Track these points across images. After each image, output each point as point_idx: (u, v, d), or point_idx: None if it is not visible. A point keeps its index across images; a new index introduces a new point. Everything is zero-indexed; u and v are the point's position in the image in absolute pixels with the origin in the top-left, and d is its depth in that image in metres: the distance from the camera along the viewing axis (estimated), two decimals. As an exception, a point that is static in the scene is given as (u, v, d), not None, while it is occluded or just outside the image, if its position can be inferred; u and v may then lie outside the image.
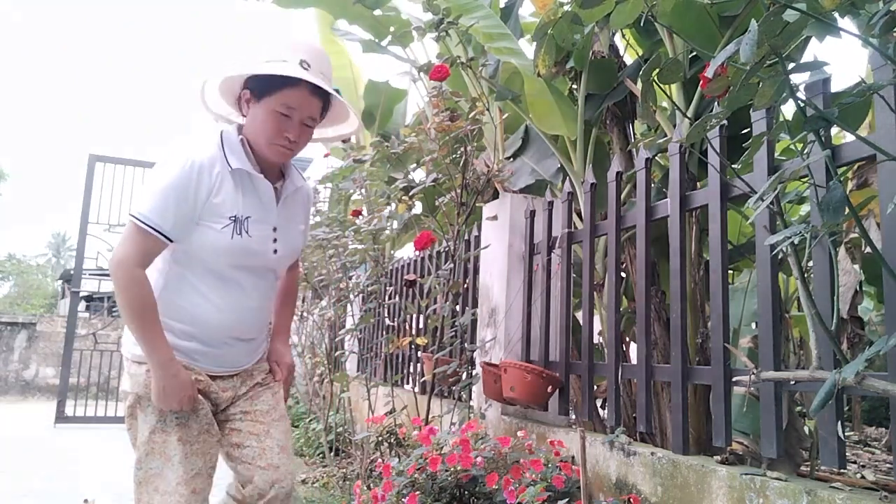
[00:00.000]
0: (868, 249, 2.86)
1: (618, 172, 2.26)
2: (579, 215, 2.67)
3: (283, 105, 1.49)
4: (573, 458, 2.14)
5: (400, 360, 4.31)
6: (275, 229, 1.60)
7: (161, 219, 1.45)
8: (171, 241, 1.48)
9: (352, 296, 3.73)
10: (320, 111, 1.57)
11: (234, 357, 1.64)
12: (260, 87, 1.50)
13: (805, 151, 1.30)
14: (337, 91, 1.57)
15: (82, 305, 12.50)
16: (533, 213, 2.80)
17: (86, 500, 3.34)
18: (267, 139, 1.52)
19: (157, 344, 1.47)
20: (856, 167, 2.05)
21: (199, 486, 1.54)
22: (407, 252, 5.08)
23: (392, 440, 2.54)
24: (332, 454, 4.15)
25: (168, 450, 1.52)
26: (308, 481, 3.71)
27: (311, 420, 4.92)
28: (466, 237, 3.35)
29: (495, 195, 3.17)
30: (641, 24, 2.84)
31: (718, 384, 1.72)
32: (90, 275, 8.45)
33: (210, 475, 1.58)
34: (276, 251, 1.61)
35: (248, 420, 1.66)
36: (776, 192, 1.22)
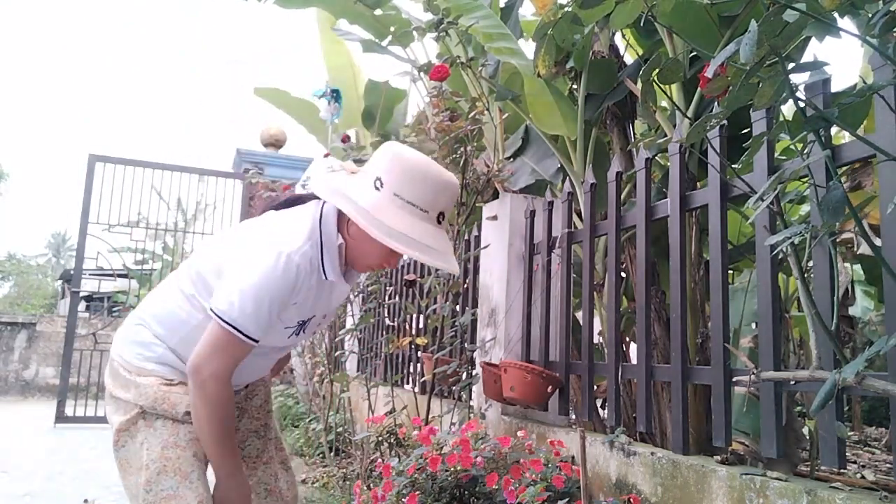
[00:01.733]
0: (860, 249, 2.86)
1: (618, 172, 2.26)
2: (579, 215, 2.67)
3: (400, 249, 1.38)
4: (573, 458, 2.14)
5: (400, 360, 4.31)
6: (325, 316, 1.57)
7: (257, 327, 1.32)
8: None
9: (352, 296, 3.73)
10: None
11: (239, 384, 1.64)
12: None
13: (805, 151, 1.30)
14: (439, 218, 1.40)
15: (82, 305, 12.51)
16: (533, 213, 2.80)
17: (86, 500, 3.34)
18: (368, 266, 1.46)
19: (231, 454, 1.40)
20: (849, 170, 2.05)
21: None
22: (407, 252, 5.07)
23: (392, 440, 2.54)
24: (332, 454, 4.15)
25: (184, 466, 1.39)
26: (308, 481, 3.71)
27: (311, 420, 4.92)
28: (466, 237, 3.35)
29: (495, 195, 3.17)
30: (641, 24, 2.84)
31: (718, 384, 1.72)
32: (90, 275, 8.45)
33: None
34: (312, 333, 1.61)
35: (271, 443, 1.68)
36: (776, 192, 1.22)
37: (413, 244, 1.29)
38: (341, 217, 1.41)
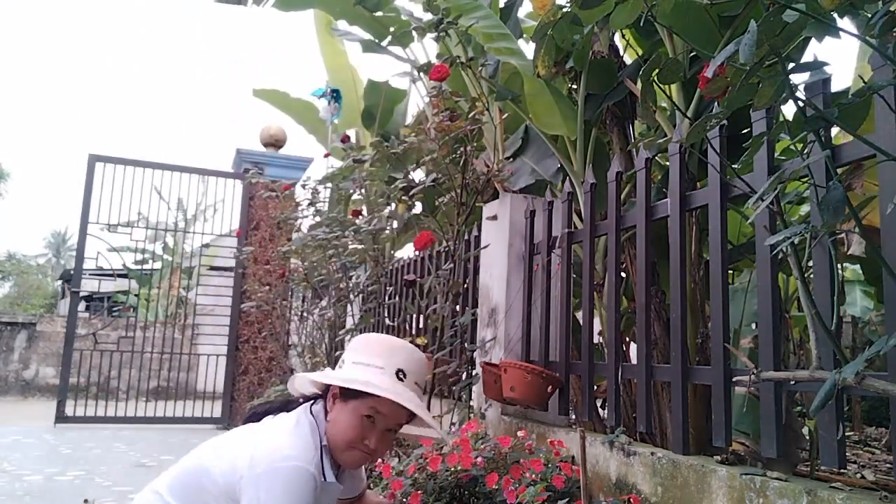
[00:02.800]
0: (850, 250, 2.86)
1: (618, 172, 2.26)
2: (579, 215, 2.67)
3: (371, 409, 1.44)
4: (573, 458, 2.14)
5: (400, 360, 4.30)
6: None
7: None
8: None
9: (352, 296, 3.73)
10: (407, 417, 1.51)
11: None
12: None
13: (805, 151, 1.30)
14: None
15: (82, 305, 12.51)
16: (533, 213, 2.80)
17: (86, 500, 3.34)
18: (346, 443, 1.47)
19: None
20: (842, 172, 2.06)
21: None
22: (407, 252, 5.08)
23: (392, 440, 2.53)
24: (332, 454, 4.14)
25: None
26: (308, 481, 3.71)
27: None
28: (466, 237, 3.35)
29: (495, 195, 3.17)
30: (641, 24, 2.84)
31: (718, 384, 1.72)
32: (90, 275, 8.45)
33: None
34: None
35: None
36: (776, 192, 1.22)
37: (372, 387, 1.42)
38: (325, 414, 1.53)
